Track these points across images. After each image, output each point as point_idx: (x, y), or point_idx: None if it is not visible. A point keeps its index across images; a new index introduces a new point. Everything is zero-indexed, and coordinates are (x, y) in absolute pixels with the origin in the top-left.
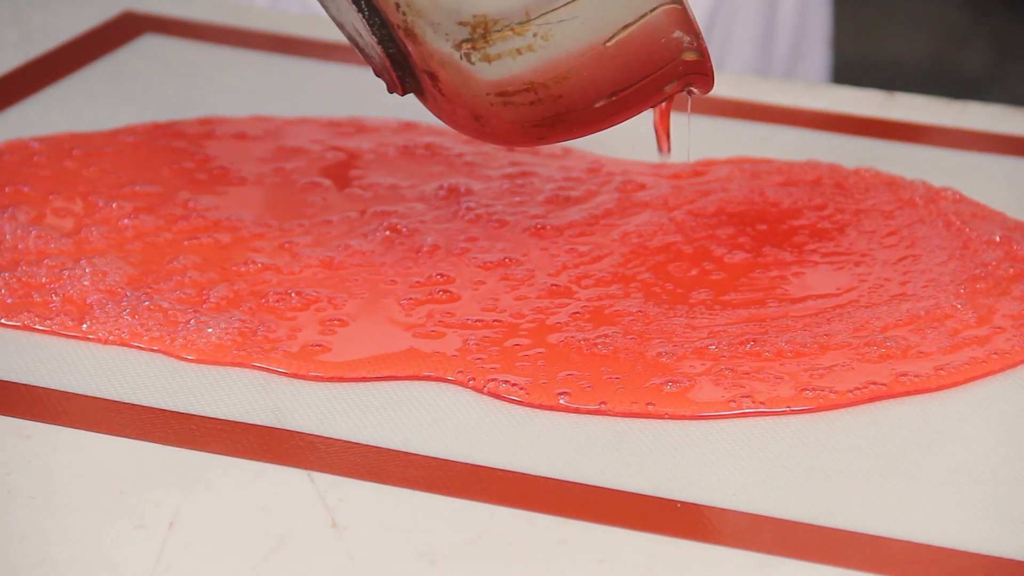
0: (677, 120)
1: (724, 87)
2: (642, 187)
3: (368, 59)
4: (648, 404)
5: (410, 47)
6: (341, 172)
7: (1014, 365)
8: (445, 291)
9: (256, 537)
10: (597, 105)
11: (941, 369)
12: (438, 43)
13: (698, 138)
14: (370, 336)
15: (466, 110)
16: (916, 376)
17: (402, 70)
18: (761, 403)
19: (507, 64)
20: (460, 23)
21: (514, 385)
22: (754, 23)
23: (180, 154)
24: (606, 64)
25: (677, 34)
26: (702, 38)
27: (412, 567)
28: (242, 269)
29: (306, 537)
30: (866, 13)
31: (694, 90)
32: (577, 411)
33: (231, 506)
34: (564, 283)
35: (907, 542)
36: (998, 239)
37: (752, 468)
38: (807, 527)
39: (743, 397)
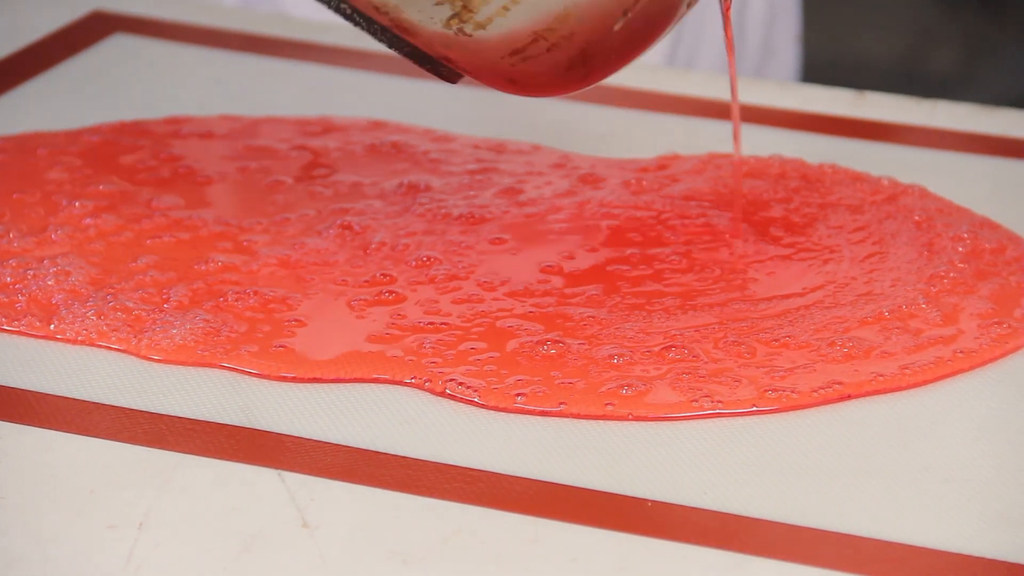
0: (648, 118)
1: (693, 86)
2: (603, 179)
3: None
4: (607, 405)
5: (413, 40)
6: (305, 170)
7: (982, 364)
8: (391, 292)
9: (227, 537)
10: (617, 28)
11: (907, 368)
12: (432, 27)
13: (666, 136)
14: (325, 339)
15: (496, 77)
16: (881, 376)
17: (429, 62)
18: (719, 402)
19: (502, 24)
20: (437, 3)
21: (469, 388)
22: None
23: (146, 153)
24: None
25: None
26: None
27: (384, 567)
28: (202, 268)
29: (277, 537)
30: (837, 12)
31: None
32: (532, 413)
33: (202, 506)
34: (519, 281)
35: (878, 540)
36: (965, 235)
37: (722, 467)
38: (778, 526)
39: (704, 398)
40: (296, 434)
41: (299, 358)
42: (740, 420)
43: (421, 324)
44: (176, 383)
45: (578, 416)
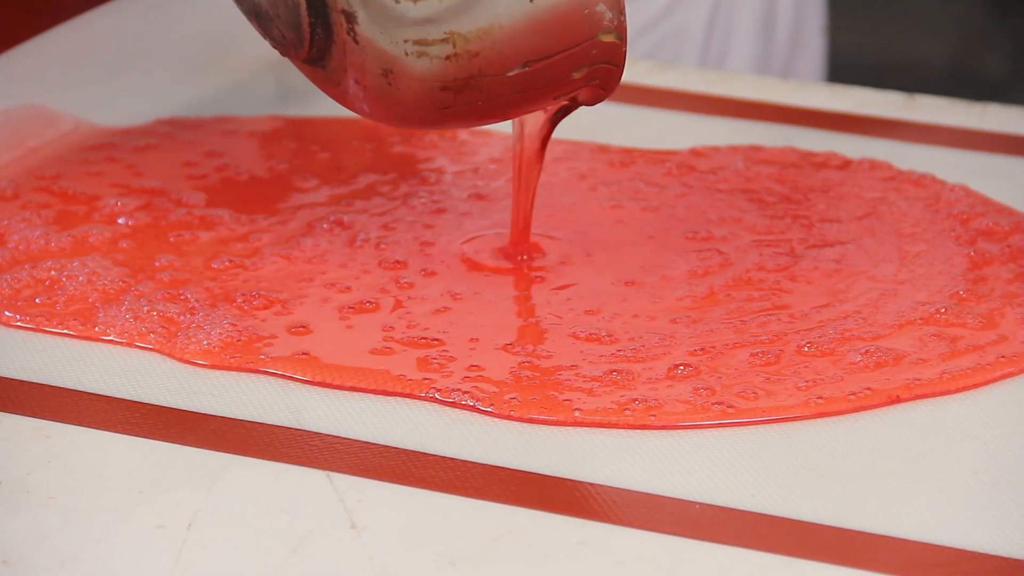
0: (682, 118)
1: (744, 88)
2: (620, 176)
3: (269, 24)
4: (625, 410)
5: None
6: (331, 169)
7: None
8: (371, 302)
9: (275, 538)
10: (509, 74)
11: (946, 374)
12: None
13: (712, 137)
14: (343, 345)
15: (376, 62)
16: (918, 380)
17: (315, 17)
18: (731, 407)
19: (431, 4)
20: None
21: (477, 399)
22: (754, 13)
23: (189, 151)
24: (528, 25)
25: (600, 7)
26: (624, 16)
27: (432, 568)
28: (215, 266)
29: (325, 538)
30: (882, 13)
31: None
32: (551, 423)
33: (250, 507)
34: (526, 291)
35: (927, 544)
36: (1007, 237)
37: (769, 471)
38: (827, 529)
39: (718, 404)
40: (345, 435)
41: (327, 365)
42: (786, 425)
43: (420, 338)
44: (224, 384)
45: (595, 425)
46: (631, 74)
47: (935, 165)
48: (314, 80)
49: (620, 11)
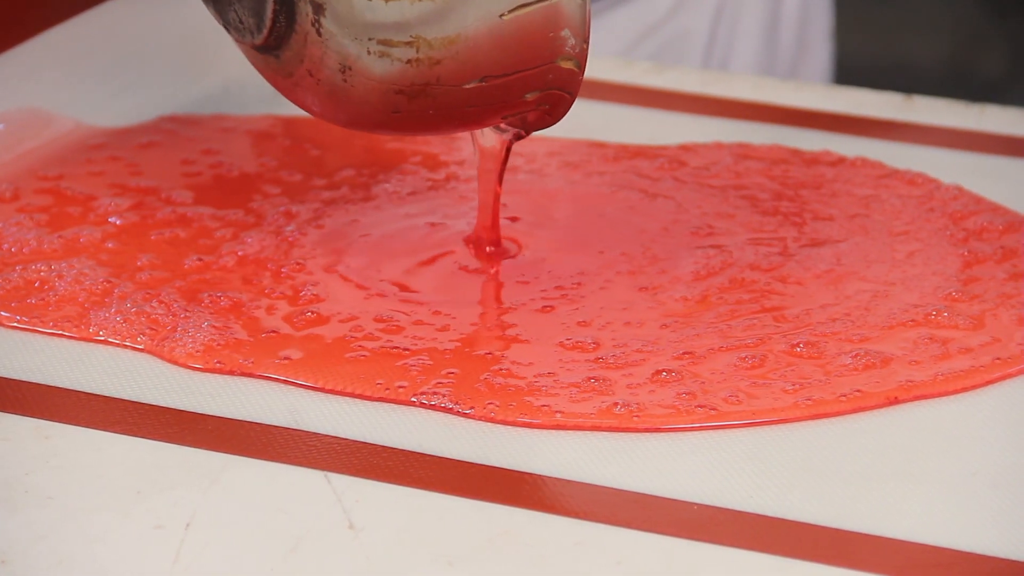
0: (678, 118)
1: (740, 89)
2: (608, 168)
3: (226, 7)
4: (614, 407)
5: None
6: (314, 167)
7: None
8: (314, 312)
9: (273, 538)
10: (466, 86)
11: (942, 376)
12: None
13: (709, 138)
14: (313, 352)
15: (336, 57)
16: (910, 381)
17: (280, 5)
18: (712, 411)
19: (402, 7)
20: None
21: (455, 402)
22: (759, 17)
23: (188, 148)
24: (493, 39)
25: (565, 32)
26: (587, 45)
27: (429, 568)
28: (186, 265)
29: (323, 538)
30: (883, 15)
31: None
32: (532, 426)
33: (248, 507)
34: (492, 291)
35: (925, 545)
36: (1000, 236)
37: (767, 472)
38: (824, 530)
39: (698, 406)
40: (343, 436)
41: (308, 371)
42: (783, 427)
43: (395, 348)
44: (222, 385)
45: (579, 428)
46: (629, 74)
47: (932, 166)
48: (262, 69)
49: (584, 39)
